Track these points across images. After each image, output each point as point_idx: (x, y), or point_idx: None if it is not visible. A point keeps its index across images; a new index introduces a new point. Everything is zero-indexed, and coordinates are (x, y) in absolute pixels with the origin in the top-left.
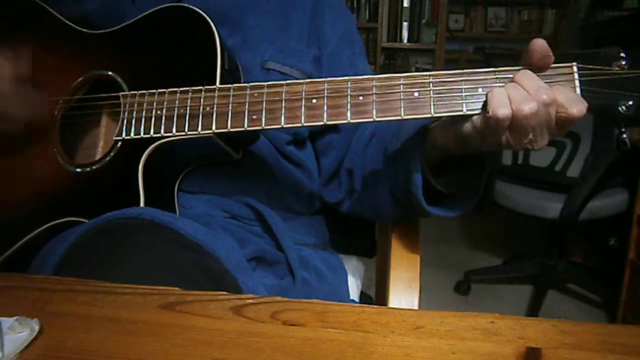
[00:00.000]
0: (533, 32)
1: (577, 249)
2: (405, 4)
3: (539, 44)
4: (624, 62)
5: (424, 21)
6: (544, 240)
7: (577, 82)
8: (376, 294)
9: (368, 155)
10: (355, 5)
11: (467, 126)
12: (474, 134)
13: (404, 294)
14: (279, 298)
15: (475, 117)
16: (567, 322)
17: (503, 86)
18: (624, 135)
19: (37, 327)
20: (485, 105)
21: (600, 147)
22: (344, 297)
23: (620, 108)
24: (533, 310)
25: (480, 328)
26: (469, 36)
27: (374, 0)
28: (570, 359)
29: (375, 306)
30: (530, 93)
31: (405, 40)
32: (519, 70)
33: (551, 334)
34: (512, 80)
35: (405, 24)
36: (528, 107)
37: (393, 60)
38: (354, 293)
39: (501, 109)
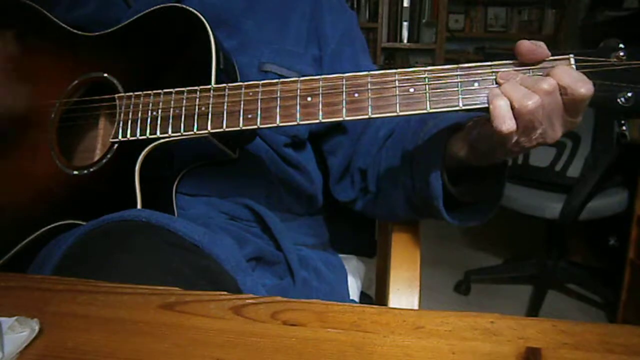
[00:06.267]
0: (533, 32)
1: (577, 249)
2: (405, 4)
3: (524, 47)
4: (622, 54)
5: (424, 21)
6: (544, 240)
7: None
8: (376, 294)
9: (383, 156)
10: (355, 5)
11: (474, 134)
12: (484, 141)
13: (404, 294)
14: (279, 298)
15: (483, 130)
16: (567, 322)
17: (500, 87)
18: (624, 128)
19: (37, 327)
20: (486, 107)
21: (600, 147)
22: (344, 297)
23: (619, 100)
24: (533, 310)
25: (480, 328)
26: (469, 36)
27: (374, 0)
28: (570, 359)
29: (375, 306)
30: (529, 87)
31: (405, 40)
32: (513, 63)
33: (551, 334)
34: (500, 77)
35: (405, 24)
36: (531, 102)
37: (393, 60)
38: (354, 293)
39: (504, 125)
